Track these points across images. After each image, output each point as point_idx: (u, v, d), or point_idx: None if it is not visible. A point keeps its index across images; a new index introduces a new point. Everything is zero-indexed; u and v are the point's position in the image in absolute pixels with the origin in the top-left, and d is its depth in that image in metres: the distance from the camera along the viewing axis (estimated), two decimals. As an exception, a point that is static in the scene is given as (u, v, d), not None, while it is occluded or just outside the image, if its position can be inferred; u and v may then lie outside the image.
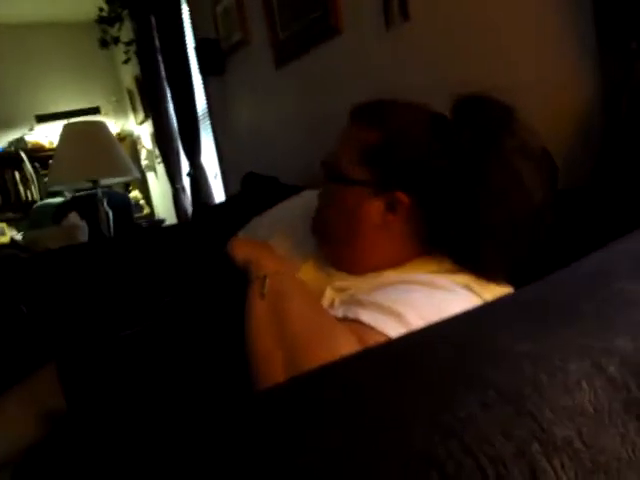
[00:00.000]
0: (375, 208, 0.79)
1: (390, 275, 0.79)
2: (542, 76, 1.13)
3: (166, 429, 0.68)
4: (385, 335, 0.64)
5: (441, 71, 1.35)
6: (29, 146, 4.71)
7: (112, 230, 2.72)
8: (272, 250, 0.86)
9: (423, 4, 1.41)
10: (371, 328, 0.65)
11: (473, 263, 0.75)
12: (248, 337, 0.68)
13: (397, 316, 0.65)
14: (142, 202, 4.93)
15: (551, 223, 0.74)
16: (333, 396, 0.34)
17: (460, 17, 1.30)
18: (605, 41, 0.95)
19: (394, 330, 0.63)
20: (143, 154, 4.95)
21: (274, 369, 0.61)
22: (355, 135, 0.82)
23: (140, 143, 4.98)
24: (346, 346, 0.60)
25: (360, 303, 0.70)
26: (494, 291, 0.74)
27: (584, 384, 0.33)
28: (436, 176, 0.75)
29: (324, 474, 0.28)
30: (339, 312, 0.71)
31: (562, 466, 0.29)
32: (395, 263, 0.81)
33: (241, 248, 0.85)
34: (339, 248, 0.85)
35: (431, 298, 0.69)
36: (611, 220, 0.78)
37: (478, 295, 0.72)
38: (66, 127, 2.73)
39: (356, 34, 1.69)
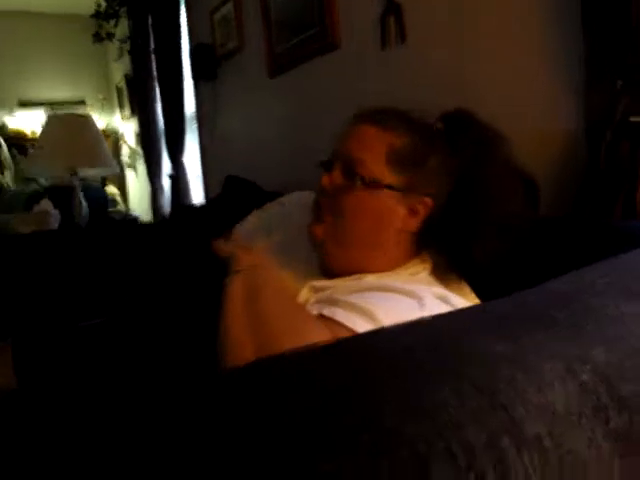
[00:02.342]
0: (401, 212, 0.82)
1: (371, 280, 0.79)
2: (530, 106, 1.16)
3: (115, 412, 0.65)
4: (355, 332, 0.64)
5: (432, 93, 1.38)
6: (9, 132, 4.62)
7: (85, 221, 2.66)
8: (253, 248, 0.85)
9: (419, 29, 1.43)
10: (344, 326, 0.64)
11: (463, 258, 0.80)
12: (221, 327, 0.67)
13: (372, 318, 0.65)
14: (118, 198, 4.86)
15: (527, 236, 0.81)
16: (303, 378, 0.33)
17: (454, 44, 1.33)
18: (592, 78, 0.98)
19: (364, 329, 0.63)
20: (125, 151, 4.90)
21: (244, 358, 0.60)
22: (380, 138, 0.82)
23: (123, 140, 4.93)
24: (319, 339, 0.59)
25: (336, 302, 0.70)
26: (469, 303, 0.75)
27: (557, 385, 0.33)
28: (450, 182, 0.81)
29: (292, 449, 0.27)
30: (314, 309, 0.71)
31: (531, 461, 0.29)
32: (394, 265, 0.83)
33: (224, 246, 0.84)
34: (351, 250, 0.84)
35: (404, 305, 0.70)
36: (588, 248, 0.79)
37: (452, 305, 0.72)
38: (52, 117, 2.70)
39: (352, 51, 1.72)
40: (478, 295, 0.82)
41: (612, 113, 0.91)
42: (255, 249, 0.84)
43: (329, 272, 0.85)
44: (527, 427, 0.30)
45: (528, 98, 1.16)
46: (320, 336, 0.60)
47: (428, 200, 0.81)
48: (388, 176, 0.81)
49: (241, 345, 0.62)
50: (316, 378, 0.33)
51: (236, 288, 0.70)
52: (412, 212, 0.82)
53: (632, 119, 0.89)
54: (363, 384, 0.31)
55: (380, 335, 0.41)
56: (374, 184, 0.80)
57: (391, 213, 0.82)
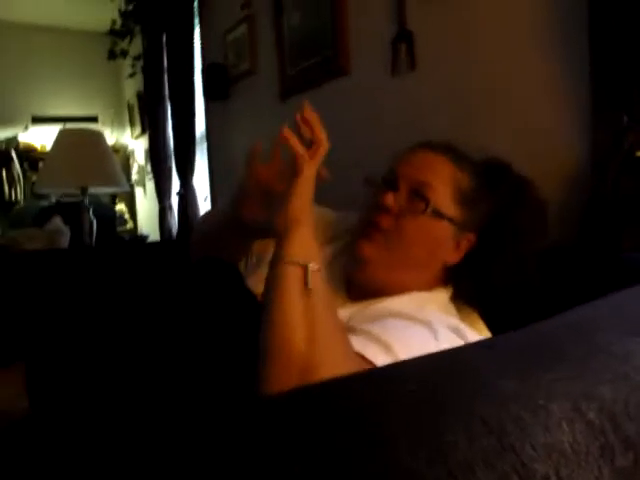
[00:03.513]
0: (450, 244, 0.87)
1: (390, 306, 0.81)
2: (537, 135, 1.17)
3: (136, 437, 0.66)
4: (372, 363, 0.64)
5: (441, 119, 1.40)
6: (21, 146, 4.68)
7: (94, 239, 2.69)
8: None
9: (430, 57, 1.46)
10: (360, 356, 0.65)
11: (484, 290, 0.87)
12: (274, 319, 0.63)
13: (386, 347, 0.66)
14: (127, 216, 4.89)
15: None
16: (323, 413, 0.35)
17: (463, 72, 1.36)
18: (599, 113, 1.00)
19: (381, 360, 0.64)
20: (134, 168, 4.95)
21: (293, 343, 0.60)
22: (451, 173, 0.87)
23: (133, 157, 4.99)
24: (352, 367, 0.59)
25: (354, 330, 0.71)
26: (481, 336, 0.77)
27: (564, 425, 0.34)
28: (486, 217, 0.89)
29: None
30: None
31: (539, 501, 0.30)
32: (423, 288, 0.87)
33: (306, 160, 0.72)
34: (397, 272, 0.87)
35: (419, 335, 0.71)
36: (595, 280, 0.80)
37: (464, 339, 0.73)
38: (63, 131, 2.73)
39: (362, 77, 1.75)
40: (491, 326, 0.84)
41: (618, 148, 0.93)
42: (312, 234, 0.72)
43: (357, 290, 0.87)
44: (535, 467, 0.31)
45: (536, 128, 1.18)
46: (354, 365, 0.61)
47: (472, 237, 0.88)
48: (452, 208, 0.86)
49: (292, 327, 0.60)
50: (330, 409, 0.34)
51: (291, 279, 0.65)
52: (457, 246, 0.88)
53: (638, 154, 0.90)
54: (377, 418, 0.32)
55: (396, 369, 0.43)
56: (440, 214, 0.85)
57: (444, 244, 0.87)
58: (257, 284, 0.96)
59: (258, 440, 0.33)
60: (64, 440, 0.77)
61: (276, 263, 0.66)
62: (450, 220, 0.85)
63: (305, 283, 0.64)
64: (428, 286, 0.88)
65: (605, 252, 0.92)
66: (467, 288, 0.88)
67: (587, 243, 0.96)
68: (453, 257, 0.88)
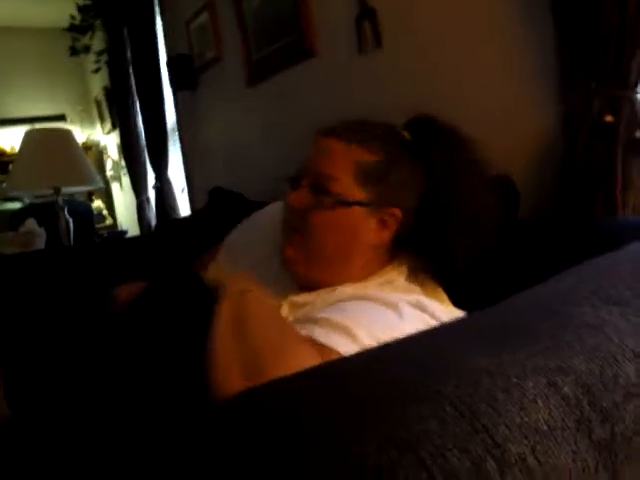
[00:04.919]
0: (372, 226, 0.82)
1: (346, 290, 0.79)
2: (507, 108, 1.17)
3: (112, 437, 0.65)
4: (338, 353, 0.63)
5: (410, 97, 1.38)
6: (-12, 150, 4.58)
7: (72, 239, 2.64)
8: (243, 275, 0.83)
9: (395, 34, 1.44)
10: (324, 346, 0.64)
11: (439, 258, 0.82)
12: (208, 351, 0.66)
13: (350, 334, 0.65)
14: (105, 212, 4.83)
15: (504, 237, 0.82)
16: (288, 410, 0.34)
17: (429, 47, 1.34)
18: (567, 80, 1.00)
19: (346, 348, 0.63)
20: (109, 164, 4.87)
21: (231, 384, 0.60)
22: (346, 154, 0.82)
23: (106, 153, 4.91)
24: (307, 363, 0.59)
25: (314, 320, 0.70)
26: (446, 309, 0.76)
27: (539, 402, 0.33)
28: (420, 188, 0.83)
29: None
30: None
31: (515, 482, 0.29)
32: (367, 275, 0.84)
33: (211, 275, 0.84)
34: (323, 269, 0.84)
35: (384, 317, 0.70)
36: (570, 249, 0.80)
37: (430, 313, 0.72)
38: (30, 132, 2.66)
39: (329, 57, 1.72)
40: (460, 302, 0.82)
41: (587, 114, 0.92)
42: (241, 276, 0.83)
43: (304, 288, 0.86)
44: (510, 448, 0.30)
45: (505, 101, 1.17)
46: (309, 359, 0.60)
47: (397, 211, 0.82)
48: (357, 192, 0.81)
49: (228, 369, 0.62)
50: (298, 410, 0.33)
51: (223, 312, 0.69)
52: (383, 225, 0.82)
53: (606, 119, 0.90)
54: (346, 417, 0.31)
55: (362, 358, 0.42)
56: (344, 201, 0.81)
57: (362, 229, 0.82)
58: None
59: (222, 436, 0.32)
60: (45, 443, 0.76)
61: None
62: (359, 204, 0.81)
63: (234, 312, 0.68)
64: (367, 272, 0.84)
65: (579, 220, 0.91)
66: (419, 258, 0.84)
67: (562, 212, 0.96)
68: (381, 236, 0.83)
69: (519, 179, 0.96)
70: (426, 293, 0.80)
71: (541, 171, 1.07)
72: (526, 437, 0.31)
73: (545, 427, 0.32)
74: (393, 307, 0.71)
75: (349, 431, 0.30)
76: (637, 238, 0.65)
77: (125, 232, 4.20)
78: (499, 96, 1.18)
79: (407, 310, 0.71)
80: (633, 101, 0.91)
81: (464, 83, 1.26)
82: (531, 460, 0.30)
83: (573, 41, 0.96)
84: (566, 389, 0.35)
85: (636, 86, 0.91)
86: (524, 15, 1.10)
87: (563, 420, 0.33)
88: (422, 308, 0.73)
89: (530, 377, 0.35)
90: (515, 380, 0.35)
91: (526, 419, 0.32)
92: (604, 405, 0.35)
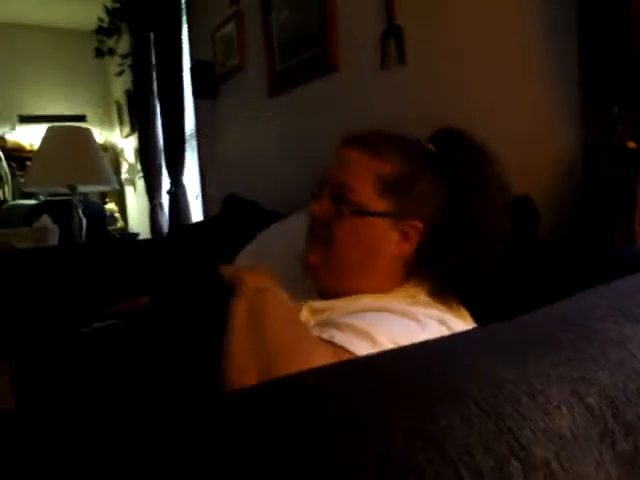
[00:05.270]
0: (394, 238, 0.82)
1: (368, 301, 0.79)
2: (529, 130, 1.17)
3: (119, 430, 0.65)
4: (352, 354, 0.63)
5: (430, 114, 1.39)
6: (8, 145, 4.64)
7: (84, 238, 2.66)
8: (261, 269, 0.84)
9: (419, 51, 1.46)
10: (345, 349, 0.64)
11: (456, 278, 0.80)
12: (223, 349, 0.67)
13: (371, 339, 0.65)
14: (117, 215, 4.87)
15: (519, 258, 0.83)
16: (317, 407, 0.34)
17: (453, 67, 1.36)
18: (589, 104, 1.00)
19: (367, 352, 0.63)
20: (124, 167, 4.92)
21: (246, 381, 0.60)
22: (368, 165, 0.82)
23: (123, 156, 4.96)
24: (323, 362, 0.59)
25: (336, 325, 0.70)
26: (469, 327, 0.75)
27: (564, 409, 0.33)
28: (440, 204, 0.82)
29: (304, 474, 0.28)
30: (314, 332, 0.70)
31: (539, 485, 0.29)
32: (389, 288, 0.83)
33: (228, 270, 0.84)
34: (345, 279, 0.84)
35: (406, 327, 0.70)
36: (587, 274, 0.80)
37: (451, 330, 0.72)
38: (50, 129, 2.69)
39: (352, 72, 1.74)
40: (478, 320, 0.82)
41: (609, 139, 0.92)
42: (259, 270, 0.84)
43: (324, 296, 0.86)
44: (535, 451, 0.30)
45: (527, 122, 1.18)
46: (324, 359, 0.59)
47: (418, 224, 0.82)
48: (378, 203, 0.81)
49: (244, 367, 0.62)
50: (322, 400, 0.33)
51: (240, 310, 0.70)
52: (405, 237, 0.82)
53: (629, 145, 0.90)
54: (371, 407, 0.31)
55: (385, 357, 0.42)
56: (363, 211, 0.81)
57: (383, 239, 0.82)
58: None
59: (242, 427, 0.32)
60: (51, 437, 0.75)
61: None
62: (380, 214, 0.81)
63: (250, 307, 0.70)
64: (389, 285, 0.84)
65: (597, 246, 0.91)
66: (439, 278, 0.83)
67: (579, 237, 0.95)
68: (403, 248, 0.82)
69: (540, 199, 0.96)
70: (450, 311, 0.79)
71: (562, 193, 1.07)
72: (550, 441, 0.31)
73: (569, 434, 0.32)
74: (415, 319, 0.71)
75: (374, 422, 0.30)
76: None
77: (137, 235, 4.22)
78: (521, 117, 1.19)
79: (429, 323, 0.71)
80: (657, 128, 0.91)
81: (486, 103, 1.27)
82: (555, 465, 0.30)
83: (597, 66, 0.96)
84: (590, 399, 0.35)
85: (661, 113, 0.91)
86: (549, 37, 1.11)
87: (587, 429, 0.33)
88: (444, 323, 0.72)
89: (554, 385, 0.35)
90: (539, 386, 0.34)
91: (550, 424, 0.32)
92: (628, 419, 0.35)
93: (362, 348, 0.64)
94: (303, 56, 1.94)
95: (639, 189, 0.90)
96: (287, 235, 1.11)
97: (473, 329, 0.50)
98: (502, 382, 0.34)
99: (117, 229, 4.68)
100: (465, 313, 0.83)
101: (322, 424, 0.30)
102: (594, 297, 0.52)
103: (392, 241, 0.82)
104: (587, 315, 0.47)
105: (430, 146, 0.86)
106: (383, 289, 0.83)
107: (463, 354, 0.39)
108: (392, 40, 1.53)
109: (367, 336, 0.66)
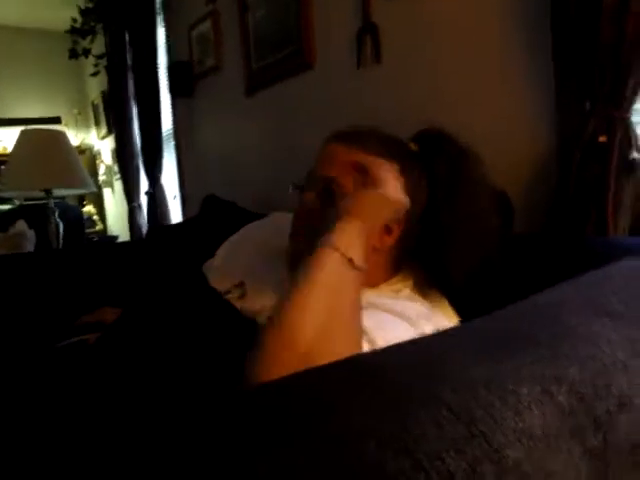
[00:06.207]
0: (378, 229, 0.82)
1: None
2: (503, 126, 1.18)
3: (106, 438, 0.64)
4: None
5: (407, 113, 1.40)
6: (-19, 150, 4.55)
7: (61, 242, 2.62)
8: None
9: (395, 50, 1.46)
10: None
11: (439, 274, 0.82)
12: (292, 299, 0.63)
13: (368, 340, 0.65)
14: (95, 217, 4.81)
15: (502, 252, 0.82)
16: (291, 406, 0.34)
17: (428, 65, 1.36)
18: (562, 100, 1.01)
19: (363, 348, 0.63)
20: (102, 169, 4.85)
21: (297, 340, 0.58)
22: (350, 159, 0.82)
23: (99, 158, 4.89)
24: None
25: None
26: (449, 322, 0.77)
27: (534, 408, 0.34)
28: (424, 198, 0.83)
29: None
30: None
31: (511, 487, 0.29)
32: (375, 283, 0.83)
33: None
34: None
35: (394, 325, 0.70)
36: (561, 264, 0.81)
37: (436, 328, 0.73)
38: (24, 133, 2.65)
39: (328, 70, 1.74)
40: (458, 311, 0.83)
41: (581, 134, 0.94)
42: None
43: None
44: (506, 453, 0.30)
45: (502, 119, 1.19)
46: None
47: (400, 218, 0.82)
48: None
49: (308, 314, 0.60)
50: (303, 408, 0.33)
51: (329, 269, 0.66)
52: (387, 230, 0.82)
53: (600, 139, 0.91)
54: (345, 413, 0.31)
55: (360, 359, 0.42)
56: None
57: None
58: (221, 282, 0.96)
59: (229, 433, 0.32)
60: (33, 445, 0.74)
61: (322, 246, 0.67)
62: None
63: (341, 271, 0.66)
64: (373, 280, 0.83)
65: (570, 237, 0.92)
66: (424, 273, 0.85)
67: (553, 230, 0.97)
68: (386, 242, 0.82)
69: (513, 194, 0.97)
70: (431, 305, 0.80)
71: (535, 187, 1.09)
72: (522, 443, 0.31)
73: (540, 433, 0.33)
74: (403, 316, 0.72)
75: (347, 428, 0.30)
76: (627, 257, 0.66)
77: (116, 237, 4.18)
78: (495, 114, 1.20)
79: (422, 322, 0.71)
80: (627, 122, 0.92)
81: (460, 100, 1.28)
82: (526, 466, 0.31)
83: (569, 60, 0.97)
84: (560, 397, 0.35)
85: (631, 107, 0.92)
86: (522, 35, 1.13)
87: (557, 427, 0.34)
88: (428, 319, 0.73)
89: (525, 384, 0.35)
90: (511, 387, 0.35)
91: (521, 425, 0.32)
92: (597, 414, 0.36)
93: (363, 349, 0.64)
94: (279, 54, 1.94)
95: (611, 182, 0.92)
96: (267, 230, 1.11)
97: (449, 329, 0.50)
98: (474, 385, 0.35)
99: (96, 232, 4.62)
100: (447, 306, 0.84)
101: (295, 430, 0.30)
102: (564, 292, 0.53)
103: (374, 234, 0.82)
104: (557, 311, 0.48)
105: (412, 145, 0.87)
106: (368, 283, 0.83)
107: (436, 357, 0.40)
108: (368, 38, 1.53)
109: (367, 337, 0.66)
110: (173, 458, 0.33)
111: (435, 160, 0.83)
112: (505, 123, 1.18)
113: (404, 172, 0.82)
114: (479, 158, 0.84)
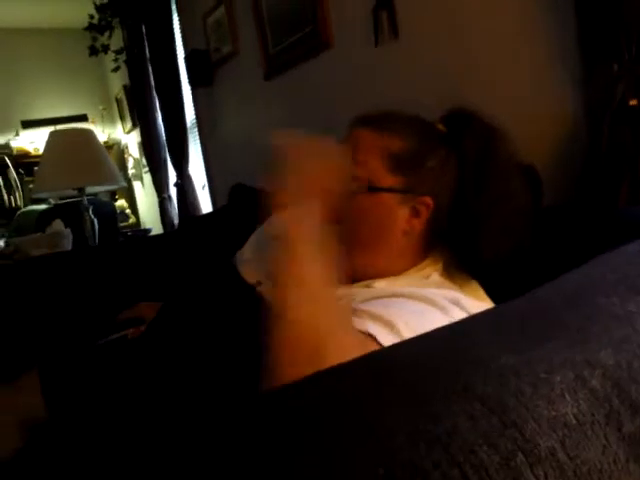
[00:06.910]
0: (403, 214, 0.82)
1: (382, 286, 0.79)
2: (528, 95, 1.15)
3: (147, 436, 0.67)
4: (379, 344, 0.63)
5: (429, 88, 1.37)
6: (14, 152, 4.68)
7: (97, 238, 2.69)
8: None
9: (412, 24, 1.43)
10: (371, 336, 0.64)
11: (471, 257, 0.82)
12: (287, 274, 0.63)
13: (390, 326, 0.65)
14: (128, 211, 4.90)
15: (533, 230, 0.81)
16: (320, 405, 0.34)
17: (448, 37, 1.33)
18: (589, 63, 0.98)
19: (386, 339, 0.63)
20: (130, 163, 4.93)
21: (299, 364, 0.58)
22: (377, 141, 0.82)
23: (127, 152, 4.97)
24: (356, 346, 0.57)
25: (354, 312, 0.70)
26: (481, 305, 0.75)
27: (567, 396, 0.33)
28: (453, 180, 0.83)
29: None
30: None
31: (545, 476, 0.29)
32: (403, 268, 0.83)
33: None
34: (356, 257, 0.82)
35: (422, 313, 0.69)
36: (593, 237, 0.79)
37: (466, 311, 0.72)
38: (53, 134, 2.71)
39: (345, 49, 1.72)
40: (488, 291, 0.82)
41: (611, 99, 0.90)
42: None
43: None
44: (540, 442, 0.31)
45: (527, 87, 1.15)
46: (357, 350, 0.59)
47: (428, 200, 0.82)
48: (387, 178, 0.81)
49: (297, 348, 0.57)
50: (326, 402, 0.33)
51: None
52: (415, 213, 0.82)
53: (631, 103, 0.88)
54: (374, 411, 0.32)
55: (387, 353, 0.42)
56: (373, 187, 0.81)
57: (393, 215, 0.82)
58: (251, 274, 0.96)
59: (255, 434, 0.33)
60: (83, 442, 0.78)
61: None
62: (389, 190, 0.81)
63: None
64: (402, 265, 0.83)
65: (602, 208, 0.90)
66: (453, 256, 0.84)
67: (585, 199, 0.94)
68: (413, 225, 0.82)
69: (542, 166, 0.94)
70: (462, 289, 0.79)
71: (564, 157, 1.06)
72: (555, 431, 0.31)
73: (574, 421, 0.32)
74: (435, 304, 0.71)
75: (379, 425, 0.30)
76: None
77: (149, 230, 4.25)
78: (520, 83, 1.17)
79: (450, 307, 0.70)
80: (658, 84, 0.89)
81: (483, 72, 1.25)
82: (561, 454, 0.31)
83: (594, 20, 0.94)
84: (594, 382, 0.35)
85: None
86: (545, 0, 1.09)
87: (592, 414, 0.33)
88: (458, 303, 0.72)
89: (557, 371, 0.35)
90: (543, 375, 0.35)
91: (554, 413, 0.32)
92: (634, 398, 0.35)
93: (383, 335, 0.63)
94: (295, 36, 1.92)
95: (644, 147, 0.89)
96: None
97: (476, 314, 0.50)
98: (505, 374, 0.35)
99: (129, 225, 4.72)
100: (478, 288, 0.83)
101: (326, 426, 0.31)
102: (597, 270, 0.52)
103: (402, 217, 0.82)
104: (590, 291, 0.47)
105: (440, 126, 0.87)
106: (396, 269, 0.83)
107: (466, 346, 0.40)
108: (384, 13, 1.50)
109: (386, 322, 0.65)
110: (203, 459, 0.34)
111: (464, 141, 0.82)
112: (532, 92, 1.14)
113: (429, 153, 0.82)
114: (508, 136, 0.82)
